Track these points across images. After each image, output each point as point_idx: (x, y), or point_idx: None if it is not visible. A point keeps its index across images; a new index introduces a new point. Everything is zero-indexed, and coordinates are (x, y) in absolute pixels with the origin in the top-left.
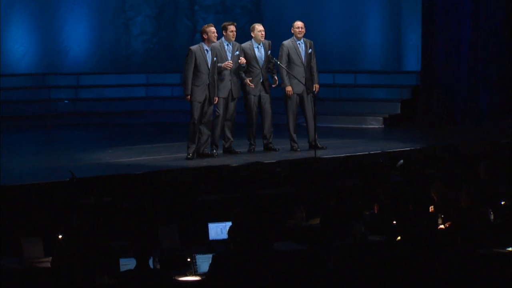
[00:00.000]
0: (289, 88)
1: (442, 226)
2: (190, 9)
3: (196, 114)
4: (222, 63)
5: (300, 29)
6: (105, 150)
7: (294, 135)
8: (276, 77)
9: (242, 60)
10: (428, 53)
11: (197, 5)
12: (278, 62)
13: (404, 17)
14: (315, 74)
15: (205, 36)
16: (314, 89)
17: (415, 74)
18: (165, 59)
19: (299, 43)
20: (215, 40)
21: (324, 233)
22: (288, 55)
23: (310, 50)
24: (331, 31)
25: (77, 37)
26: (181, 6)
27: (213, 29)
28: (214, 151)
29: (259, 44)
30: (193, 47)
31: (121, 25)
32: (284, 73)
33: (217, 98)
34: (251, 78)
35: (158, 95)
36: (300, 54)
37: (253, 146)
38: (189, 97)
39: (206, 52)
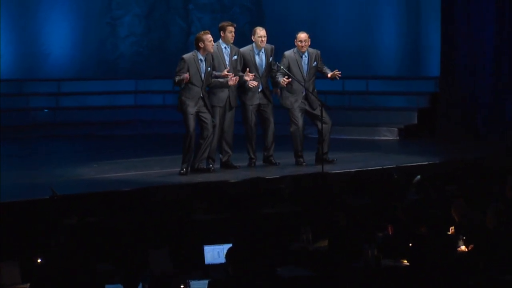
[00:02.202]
0: (284, 80)
1: (463, 249)
2: (184, 8)
3: (191, 125)
4: (219, 67)
5: (303, 43)
6: (89, 165)
7: (299, 149)
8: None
9: (252, 81)
10: (448, 56)
11: (192, 4)
12: (281, 67)
13: (422, 16)
14: (328, 70)
15: (201, 45)
16: (331, 75)
17: (433, 80)
18: (156, 64)
19: (302, 56)
20: (211, 50)
21: (333, 256)
22: (289, 67)
23: (315, 63)
24: (340, 31)
25: (58, 39)
26: (174, 4)
27: (210, 37)
28: (211, 165)
29: (260, 50)
30: (186, 56)
31: (107, 26)
32: (277, 74)
33: None
34: (255, 83)
35: (148, 104)
36: (302, 68)
37: (254, 160)
38: (186, 75)
39: (200, 62)
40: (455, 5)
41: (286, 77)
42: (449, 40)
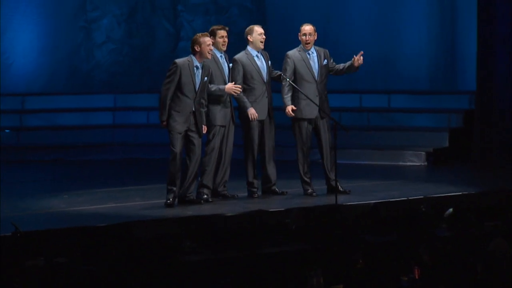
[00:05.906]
0: (289, 108)
1: None
2: (171, 9)
3: (178, 148)
4: (217, 79)
5: (307, 37)
6: (59, 196)
7: (307, 176)
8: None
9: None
10: (485, 68)
11: (181, 4)
12: (288, 79)
13: (459, 17)
14: (344, 63)
15: (197, 49)
16: (356, 62)
17: (468, 95)
18: (138, 75)
19: (309, 53)
20: (209, 56)
21: None
22: (295, 70)
23: (326, 61)
24: (357, 36)
25: (23, 46)
26: (159, 5)
27: (208, 40)
28: (205, 196)
29: (258, 52)
30: (180, 61)
31: (81, 30)
32: (285, 90)
33: (205, 127)
34: (255, 116)
35: (129, 123)
36: (311, 68)
37: (255, 189)
38: (165, 123)
39: (195, 69)
40: (493, 8)
41: (290, 109)
42: (486, 48)
